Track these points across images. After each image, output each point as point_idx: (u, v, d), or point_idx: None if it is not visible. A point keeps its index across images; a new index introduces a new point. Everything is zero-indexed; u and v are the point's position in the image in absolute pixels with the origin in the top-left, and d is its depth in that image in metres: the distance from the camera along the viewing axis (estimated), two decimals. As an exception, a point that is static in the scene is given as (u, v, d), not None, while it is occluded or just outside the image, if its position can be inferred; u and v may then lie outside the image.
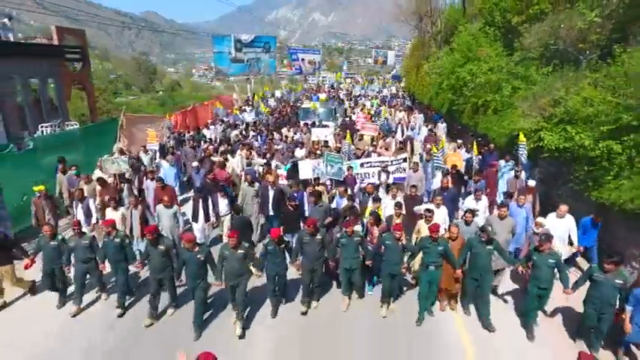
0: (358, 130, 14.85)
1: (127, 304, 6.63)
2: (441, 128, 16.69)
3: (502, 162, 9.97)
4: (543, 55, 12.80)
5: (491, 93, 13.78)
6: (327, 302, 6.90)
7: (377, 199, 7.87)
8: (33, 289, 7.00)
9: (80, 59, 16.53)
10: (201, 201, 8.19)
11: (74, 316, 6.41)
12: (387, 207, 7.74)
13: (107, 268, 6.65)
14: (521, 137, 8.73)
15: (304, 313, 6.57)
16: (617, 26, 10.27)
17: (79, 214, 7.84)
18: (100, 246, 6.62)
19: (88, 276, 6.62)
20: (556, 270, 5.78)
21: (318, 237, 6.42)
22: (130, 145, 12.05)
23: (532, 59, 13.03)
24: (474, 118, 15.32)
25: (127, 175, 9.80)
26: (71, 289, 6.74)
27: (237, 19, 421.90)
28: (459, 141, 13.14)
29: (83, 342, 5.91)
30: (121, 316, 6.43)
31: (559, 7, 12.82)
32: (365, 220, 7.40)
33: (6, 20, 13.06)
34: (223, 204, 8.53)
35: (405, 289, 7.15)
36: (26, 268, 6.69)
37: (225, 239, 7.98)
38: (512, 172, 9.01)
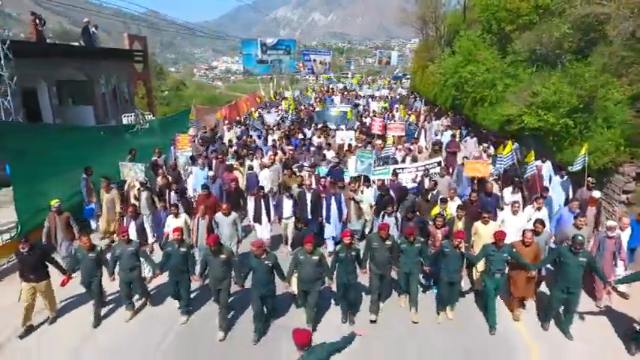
0: (375, 135, 14.22)
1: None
2: (471, 144, 14.14)
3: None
4: (530, 57, 15.83)
5: (487, 89, 16.75)
6: (387, 305, 6.93)
7: (444, 201, 7.72)
8: (54, 319, 6.60)
9: (142, 61, 19.69)
10: (262, 201, 8.17)
11: (128, 320, 6.50)
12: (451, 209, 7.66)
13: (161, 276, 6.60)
14: (583, 150, 8.67)
15: (374, 322, 6.39)
16: (583, 36, 13.37)
17: (132, 232, 7.12)
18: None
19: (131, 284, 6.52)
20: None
21: (388, 242, 6.23)
22: (198, 132, 14.99)
23: (521, 61, 15.99)
24: (473, 110, 18.37)
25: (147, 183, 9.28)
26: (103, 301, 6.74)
27: (236, 18, 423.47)
28: (484, 145, 13.33)
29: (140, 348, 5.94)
30: (185, 322, 6.46)
31: (544, 19, 15.87)
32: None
33: (94, 29, 16.07)
34: (288, 206, 8.30)
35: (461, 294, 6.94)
36: (63, 284, 6.46)
37: (289, 241, 8.18)
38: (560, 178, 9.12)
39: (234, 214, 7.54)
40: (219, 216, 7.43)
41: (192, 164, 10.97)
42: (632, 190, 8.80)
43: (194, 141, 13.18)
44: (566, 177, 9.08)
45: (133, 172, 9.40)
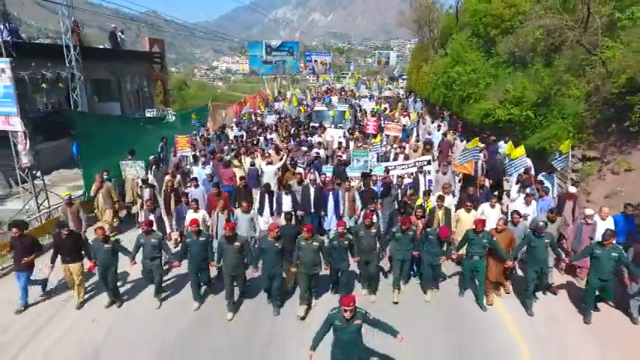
0: (369, 135, 14.53)
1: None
2: (460, 147, 13.18)
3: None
4: (509, 59, 17.75)
5: (472, 87, 18.68)
6: (379, 292, 7.21)
7: (426, 194, 8.44)
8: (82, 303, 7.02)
9: (160, 62, 21.65)
10: (266, 196, 8.76)
11: (159, 308, 6.95)
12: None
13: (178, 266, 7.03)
14: (565, 147, 9.33)
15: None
16: (553, 41, 15.29)
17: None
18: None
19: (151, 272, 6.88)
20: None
21: (373, 230, 6.77)
22: (214, 126, 16.89)
23: (502, 62, 17.98)
24: (461, 106, 20.30)
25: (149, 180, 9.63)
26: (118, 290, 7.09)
27: (236, 19, 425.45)
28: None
29: (154, 333, 6.32)
30: (197, 309, 6.89)
31: (524, 24, 17.77)
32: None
33: (120, 33, 18.04)
34: (287, 202, 8.67)
35: (445, 278, 7.59)
36: (89, 270, 6.96)
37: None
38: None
39: (252, 212, 7.95)
40: (238, 212, 7.88)
41: (194, 163, 11.39)
42: (580, 169, 10.72)
43: (196, 140, 13.68)
44: (552, 173, 9.70)
45: (134, 170, 9.65)
